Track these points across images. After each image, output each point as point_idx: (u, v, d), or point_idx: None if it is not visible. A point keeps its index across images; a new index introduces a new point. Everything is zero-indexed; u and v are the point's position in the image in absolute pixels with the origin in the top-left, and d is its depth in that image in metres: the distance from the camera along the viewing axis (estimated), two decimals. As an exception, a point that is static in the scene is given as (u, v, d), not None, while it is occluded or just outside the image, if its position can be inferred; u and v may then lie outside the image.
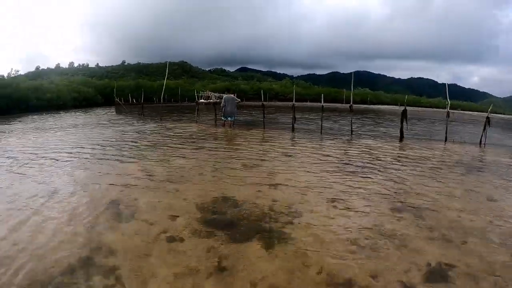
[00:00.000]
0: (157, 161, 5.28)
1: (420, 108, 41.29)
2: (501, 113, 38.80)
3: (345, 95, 48.80)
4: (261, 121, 11.81)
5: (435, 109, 41.30)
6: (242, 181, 4.10)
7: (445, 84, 10.35)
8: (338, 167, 5.10)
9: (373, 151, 6.71)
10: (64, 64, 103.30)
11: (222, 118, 10.38)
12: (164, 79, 16.66)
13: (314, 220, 2.89)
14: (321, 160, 5.65)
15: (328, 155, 6.08)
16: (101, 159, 5.41)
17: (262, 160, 5.52)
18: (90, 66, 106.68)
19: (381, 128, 13.19)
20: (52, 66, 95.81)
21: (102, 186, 3.80)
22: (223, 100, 10.46)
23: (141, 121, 13.91)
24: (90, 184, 3.90)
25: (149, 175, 4.34)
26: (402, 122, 9.02)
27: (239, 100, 11.64)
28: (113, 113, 20.38)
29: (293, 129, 10.07)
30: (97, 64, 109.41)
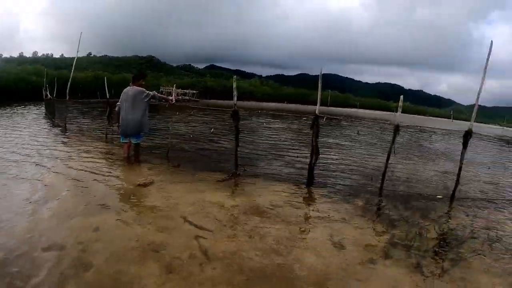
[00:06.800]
0: None
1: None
2: (464, 119, 38.72)
3: (330, 97, 46.68)
4: (225, 148, 6.31)
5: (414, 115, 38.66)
6: None
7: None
8: None
9: None
10: (28, 53, 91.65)
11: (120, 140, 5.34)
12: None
13: None
14: None
15: None
16: None
17: None
18: (54, 56, 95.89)
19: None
20: (15, 54, 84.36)
21: None
22: (120, 98, 5.01)
23: (33, 125, 9.57)
24: None
25: None
26: None
27: (153, 93, 4.94)
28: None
29: (309, 183, 4.32)
30: (62, 54, 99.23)
